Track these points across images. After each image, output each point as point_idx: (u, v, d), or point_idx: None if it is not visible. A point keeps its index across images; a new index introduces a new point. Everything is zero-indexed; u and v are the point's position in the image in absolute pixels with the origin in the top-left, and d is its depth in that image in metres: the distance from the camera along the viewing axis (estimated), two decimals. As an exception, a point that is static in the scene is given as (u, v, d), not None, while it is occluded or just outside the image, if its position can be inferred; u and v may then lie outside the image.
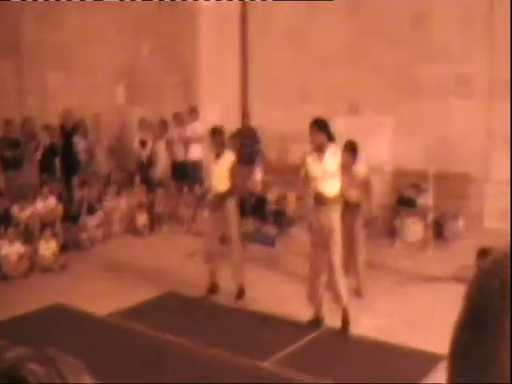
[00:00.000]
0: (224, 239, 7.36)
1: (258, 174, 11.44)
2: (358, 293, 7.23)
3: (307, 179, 6.23)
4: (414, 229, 9.45)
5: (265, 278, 8.16)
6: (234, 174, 7.19)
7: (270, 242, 9.87)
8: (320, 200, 6.08)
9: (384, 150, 10.55)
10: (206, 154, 11.53)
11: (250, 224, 10.55)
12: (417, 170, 9.89)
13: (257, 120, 11.99)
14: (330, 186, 6.11)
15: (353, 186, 7.10)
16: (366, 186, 7.22)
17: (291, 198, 10.90)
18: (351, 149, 7.20)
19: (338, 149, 6.21)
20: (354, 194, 7.10)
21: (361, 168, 7.29)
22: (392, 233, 9.67)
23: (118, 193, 11.14)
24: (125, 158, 12.82)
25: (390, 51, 10.27)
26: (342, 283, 6.14)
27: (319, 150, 6.09)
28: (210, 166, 7.56)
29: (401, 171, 10.23)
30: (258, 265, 8.80)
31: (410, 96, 10.27)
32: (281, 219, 10.72)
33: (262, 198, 11.15)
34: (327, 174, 6.05)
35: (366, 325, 6.39)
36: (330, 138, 6.16)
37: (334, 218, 6.10)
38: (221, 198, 7.21)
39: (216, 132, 7.40)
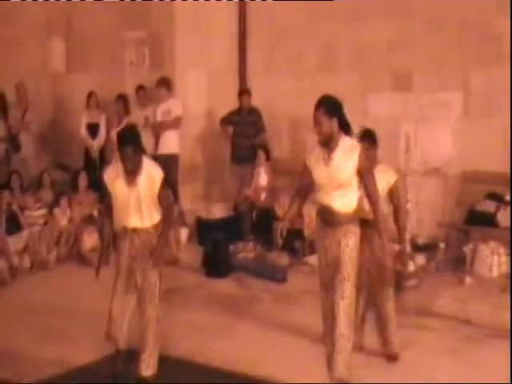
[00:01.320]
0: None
1: (263, 177, 11.41)
2: (388, 356, 7.14)
3: (307, 189, 6.25)
4: (492, 259, 9.36)
5: (270, 329, 8.03)
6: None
7: (279, 275, 9.82)
8: (327, 219, 6.00)
9: (447, 143, 10.46)
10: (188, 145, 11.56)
11: (251, 249, 10.54)
12: (496, 173, 9.84)
13: (260, 96, 11.91)
14: (343, 198, 5.92)
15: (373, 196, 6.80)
16: (393, 195, 7.00)
17: (309, 213, 10.74)
18: (369, 141, 6.93)
19: (355, 143, 5.94)
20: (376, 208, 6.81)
21: (385, 169, 7.02)
22: (460, 265, 9.60)
23: (55, 202, 11.06)
24: (65, 150, 12.81)
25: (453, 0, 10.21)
26: (348, 346, 5.95)
27: (327, 145, 5.92)
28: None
29: (472, 174, 10.16)
30: (261, 309, 8.76)
31: (487, 62, 10.17)
32: (294, 243, 10.59)
33: (268, 213, 11.08)
34: (337, 180, 5.86)
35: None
36: (344, 126, 5.95)
37: (349, 245, 5.96)
38: None
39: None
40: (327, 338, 6.28)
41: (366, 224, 6.95)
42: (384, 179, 6.85)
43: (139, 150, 6.01)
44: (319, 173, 5.97)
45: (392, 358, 7.12)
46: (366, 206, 6.81)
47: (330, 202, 5.93)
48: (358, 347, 7.11)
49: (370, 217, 6.83)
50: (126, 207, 6.12)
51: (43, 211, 10.89)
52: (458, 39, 10.29)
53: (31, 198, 10.95)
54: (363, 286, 7.00)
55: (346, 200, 5.93)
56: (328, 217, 5.99)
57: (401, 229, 7.08)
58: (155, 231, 6.20)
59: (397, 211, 7.03)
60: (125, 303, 6.24)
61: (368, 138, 6.96)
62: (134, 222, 6.17)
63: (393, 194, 6.95)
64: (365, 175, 5.92)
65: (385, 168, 6.98)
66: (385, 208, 6.88)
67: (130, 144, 5.91)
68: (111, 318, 6.26)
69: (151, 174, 6.05)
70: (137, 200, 6.07)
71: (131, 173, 5.98)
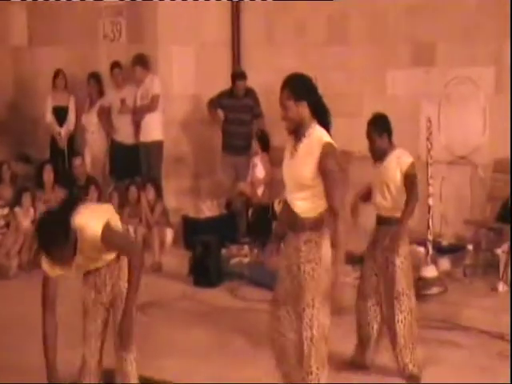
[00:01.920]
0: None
1: (260, 170, 11.50)
2: (407, 377, 7.18)
3: None
4: (530, 263, 9.36)
5: (263, 350, 7.98)
6: None
7: (278, 283, 9.72)
8: (288, 223, 5.86)
9: (475, 127, 10.51)
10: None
11: (246, 253, 10.63)
12: (535, 162, 9.83)
13: (256, 74, 11.97)
14: (305, 201, 5.70)
15: (388, 188, 7.08)
16: (408, 180, 7.03)
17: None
18: (382, 127, 7.11)
19: (322, 136, 5.67)
20: (388, 204, 7.09)
21: (400, 156, 7.11)
22: (491, 270, 9.55)
23: (17, 200, 11.10)
24: (28, 138, 12.92)
25: None
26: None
27: (295, 134, 5.82)
28: None
29: (506, 163, 10.13)
30: (258, 323, 8.47)
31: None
32: (297, 246, 10.62)
33: (266, 210, 11.12)
34: (297, 177, 5.71)
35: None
36: (319, 112, 5.78)
37: (312, 255, 5.69)
38: None
39: None
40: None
41: (380, 221, 7.18)
42: (397, 166, 6.98)
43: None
44: (284, 166, 5.92)
45: (410, 378, 7.15)
46: (378, 198, 7.12)
47: (291, 203, 5.77)
48: (369, 366, 7.30)
49: (387, 214, 7.07)
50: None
51: (4, 211, 10.99)
52: (490, 4, 10.28)
53: (3, 202, 11.06)
54: (377, 295, 7.20)
55: (308, 204, 5.67)
56: (289, 219, 5.84)
57: (407, 212, 7.01)
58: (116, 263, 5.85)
59: (409, 194, 6.99)
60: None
61: (379, 124, 7.10)
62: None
63: (408, 177, 6.97)
64: (326, 178, 5.54)
65: (400, 153, 7.09)
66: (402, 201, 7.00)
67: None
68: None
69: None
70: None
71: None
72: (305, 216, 5.63)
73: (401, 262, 7.01)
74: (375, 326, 7.26)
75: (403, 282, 7.08)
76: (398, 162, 7.01)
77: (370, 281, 7.22)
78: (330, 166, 5.50)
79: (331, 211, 5.53)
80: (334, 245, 5.62)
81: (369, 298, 7.23)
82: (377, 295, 7.21)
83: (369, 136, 7.11)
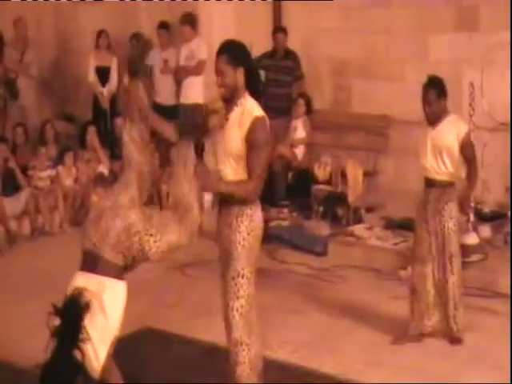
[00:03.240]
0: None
1: (300, 132, 11.42)
2: (451, 338, 7.30)
3: None
4: None
5: (305, 311, 8.09)
6: None
7: (318, 247, 9.81)
8: (220, 196, 5.75)
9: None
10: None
11: (285, 216, 10.56)
12: None
13: (298, 37, 11.89)
14: (235, 173, 5.58)
15: (441, 153, 7.11)
16: (466, 149, 7.12)
17: (354, 174, 10.75)
18: (440, 90, 7.12)
19: (253, 109, 5.54)
20: (440, 168, 7.12)
21: (455, 122, 7.17)
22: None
23: (60, 159, 11.16)
24: (71, 97, 12.93)
25: None
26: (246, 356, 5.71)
27: (228, 102, 5.62)
28: None
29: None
30: (297, 285, 8.80)
31: None
32: (337, 210, 10.62)
33: (306, 174, 11.10)
34: (227, 148, 5.57)
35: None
36: (252, 82, 5.61)
37: (244, 226, 5.59)
38: None
39: None
40: None
41: (431, 184, 7.19)
42: (453, 132, 7.05)
43: None
44: (216, 135, 5.76)
45: (455, 340, 7.26)
46: (431, 161, 7.12)
47: (222, 174, 5.63)
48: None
49: (439, 177, 7.12)
50: None
51: (52, 172, 11.01)
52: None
53: (42, 156, 11.07)
54: (431, 258, 7.24)
55: (238, 176, 5.56)
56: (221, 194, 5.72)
57: (471, 185, 7.21)
58: None
59: (470, 166, 7.14)
60: None
61: (435, 87, 7.10)
62: None
63: (465, 147, 7.06)
64: (251, 150, 5.44)
65: (455, 118, 7.17)
66: (460, 169, 7.12)
67: None
68: None
69: None
70: None
71: None
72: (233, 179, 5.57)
73: (453, 225, 7.13)
74: (433, 292, 7.29)
75: (455, 244, 7.21)
76: (453, 128, 7.09)
77: (425, 244, 7.24)
78: (258, 140, 5.43)
79: (249, 177, 5.46)
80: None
81: (427, 262, 7.25)
82: (432, 258, 7.26)
83: (425, 99, 7.09)
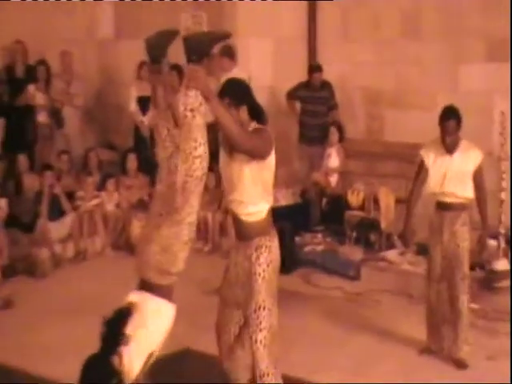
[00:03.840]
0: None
1: (334, 160, 11.44)
2: (455, 360, 7.24)
3: None
4: None
5: (339, 333, 8.06)
6: None
7: (351, 271, 9.84)
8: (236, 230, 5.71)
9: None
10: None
11: (320, 241, 10.55)
12: None
13: (332, 68, 11.91)
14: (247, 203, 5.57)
15: (457, 178, 7.14)
16: (478, 177, 7.18)
17: (386, 201, 10.73)
18: (457, 120, 7.11)
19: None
20: (460, 192, 7.18)
21: (469, 149, 7.17)
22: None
23: (102, 185, 11.24)
24: (113, 126, 13.03)
25: None
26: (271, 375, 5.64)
27: None
28: None
29: None
30: (331, 309, 8.79)
31: None
32: (369, 235, 10.65)
33: (340, 200, 11.11)
34: (236, 180, 5.54)
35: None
36: (255, 113, 5.63)
37: (263, 258, 5.56)
38: None
39: None
40: None
41: (447, 208, 7.21)
42: (470, 159, 7.10)
43: None
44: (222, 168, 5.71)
45: (459, 364, 7.20)
46: (449, 186, 7.12)
47: (239, 211, 5.60)
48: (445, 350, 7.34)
49: (450, 200, 7.15)
50: None
51: (99, 200, 11.11)
52: None
53: (90, 186, 11.16)
54: (443, 277, 7.25)
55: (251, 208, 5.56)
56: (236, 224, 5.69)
57: (483, 213, 7.25)
58: None
59: (481, 195, 7.21)
60: None
61: (455, 116, 7.10)
62: None
63: (477, 175, 7.15)
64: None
65: (469, 144, 7.17)
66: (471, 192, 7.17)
67: None
68: None
69: None
70: None
71: None
72: (251, 220, 5.54)
73: (467, 246, 7.16)
74: (447, 310, 7.28)
75: (467, 265, 7.22)
76: (469, 155, 7.13)
77: (440, 265, 7.26)
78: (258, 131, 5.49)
79: None
80: None
81: (441, 282, 7.28)
82: (446, 279, 7.27)
83: (446, 129, 7.08)
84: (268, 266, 5.50)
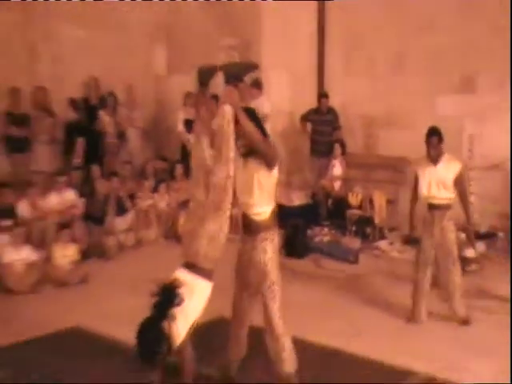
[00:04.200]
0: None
1: (338, 169, 11.43)
2: (461, 320, 7.39)
3: None
4: (547, 247, 9.23)
5: (342, 304, 8.11)
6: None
7: (351, 257, 9.82)
8: (245, 226, 5.60)
9: (506, 141, 10.28)
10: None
11: (326, 233, 10.53)
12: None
13: (336, 97, 11.97)
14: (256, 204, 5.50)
15: (443, 185, 7.21)
16: (460, 182, 7.27)
17: (379, 202, 10.74)
18: (439, 137, 7.20)
19: None
20: (441, 195, 7.26)
21: (450, 161, 7.26)
22: (517, 252, 9.44)
23: (156, 188, 11.31)
24: (165, 143, 12.99)
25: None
26: (288, 346, 5.62)
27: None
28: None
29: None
30: (334, 286, 8.79)
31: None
32: (365, 229, 10.64)
33: (342, 201, 11.13)
34: (249, 184, 5.44)
35: (478, 373, 6.20)
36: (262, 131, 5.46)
37: (266, 248, 5.50)
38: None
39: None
40: None
41: (435, 207, 7.26)
42: (450, 169, 7.18)
43: None
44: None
45: (465, 322, 7.35)
46: (434, 191, 7.20)
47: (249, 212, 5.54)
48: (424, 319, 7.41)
49: (438, 202, 7.22)
50: None
51: (153, 200, 11.15)
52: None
53: (146, 188, 11.21)
54: (430, 261, 7.34)
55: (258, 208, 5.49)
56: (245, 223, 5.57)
57: (467, 211, 7.30)
58: None
59: (463, 197, 7.29)
60: None
61: (437, 134, 7.20)
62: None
63: (459, 181, 7.20)
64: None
65: (450, 157, 7.26)
66: (453, 193, 7.24)
67: None
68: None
69: None
70: None
71: None
72: (258, 219, 5.47)
73: (453, 237, 7.26)
74: (428, 288, 7.41)
75: (455, 252, 7.32)
76: (450, 165, 7.20)
77: (428, 253, 7.34)
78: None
79: None
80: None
81: (428, 267, 7.36)
82: (432, 265, 7.36)
83: (430, 143, 7.18)
84: (273, 252, 5.47)
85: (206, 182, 5.24)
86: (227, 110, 5.09)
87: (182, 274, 5.06)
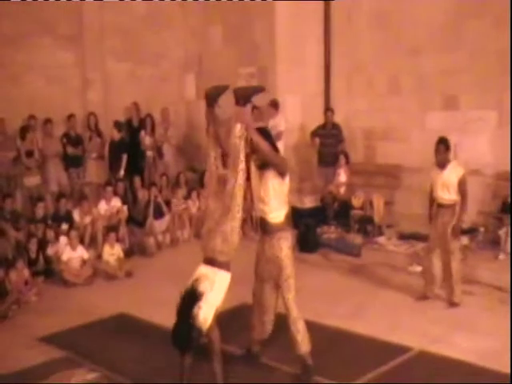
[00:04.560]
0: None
1: (342, 176, 11.35)
2: (450, 302, 7.38)
3: None
4: (521, 240, 9.13)
5: (347, 290, 8.14)
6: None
7: (354, 251, 9.80)
8: (263, 228, 5.62)
9: (485, 150, 10.30)
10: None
11: (333, 231, 10.51)
12: (524, 173, 9.61)
13: (340, 113, 11.90)
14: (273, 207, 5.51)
15: (447, 187, 7.25)
16: (462, 185, 7.29)
17: (378, 203, 10.76)
18: (446, 145, 7.30)
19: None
20: (446, 196, 7.31)
21: (455, 167, 7.34)
22: (495, 244, 9.40)
23: (188, 195, 11.28)
24: (194, 156, 12.93)
25: (493, 34, 9.97)
26: (301, 328, 5.63)
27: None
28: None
29: (505, 174, 9.93)
30: (340, 276, 8.82)
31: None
32: (366, 227, 10.62)
33: (346, 203, 11.07)
34: (265, 190, 5.49)
35: (464, 347, 6.24)
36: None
37: (282, 245, 5.56)
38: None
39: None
40: None
41: (440, 206, 7.35)
42: (454, 174, 7.25)
43: None
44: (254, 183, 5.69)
45: (453, 304, 7.36)
46: (440, 192, 7.26)
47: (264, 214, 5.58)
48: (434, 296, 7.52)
49: (442, 202, 7.28)
50: None
51: (186, 205, 11.13)
52: (495, 68, 10.00)
53: (179, 195, 11.13)
54: (436, 246, 7.40)
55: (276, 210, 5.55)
56: (262, 225, 5.62)
57: (462, 210, 7.31)
58: None
59: (462, 198, 7.28)
60: None
61: (444, 143, 7.31)
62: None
63: (460, 184, 7.24)
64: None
65: (455, 164, 7.36)
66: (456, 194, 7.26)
67: None
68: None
69: None
70: None
71: None
72: (274, 221, 5.51)
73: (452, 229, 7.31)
74: (439, 271, 7.48)
75: (454, 242, 7.38)
76: (455, 171, 7.27)
77: (435, 241, 7.42)
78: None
79: None
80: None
81: (434, 252, 7.45)
82: (438, 249, 7.44)
83: (438, 151, 7.27)
84: (288, 249, 5.53)
85: (216, 190, 5.28)
86: (238, 128, 5.17)
87: (204, 269, 5.11)
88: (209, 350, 5.14)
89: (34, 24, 11.05)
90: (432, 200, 7.53)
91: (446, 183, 7.23)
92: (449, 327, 6.77)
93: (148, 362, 6.01)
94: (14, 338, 6.86)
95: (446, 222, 7.30)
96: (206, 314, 4.88)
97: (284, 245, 5.52)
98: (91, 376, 5.84)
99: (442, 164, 7.27)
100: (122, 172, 11.32)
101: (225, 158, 5.41)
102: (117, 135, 11.39)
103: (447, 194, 7.28)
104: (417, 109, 11.08)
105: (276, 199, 5.47)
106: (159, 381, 5.59)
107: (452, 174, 7.25)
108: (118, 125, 11.49)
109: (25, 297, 8.07)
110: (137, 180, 11.15)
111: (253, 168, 5.58)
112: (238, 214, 5.14)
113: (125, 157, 11.35)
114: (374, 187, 11.19)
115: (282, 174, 5.41)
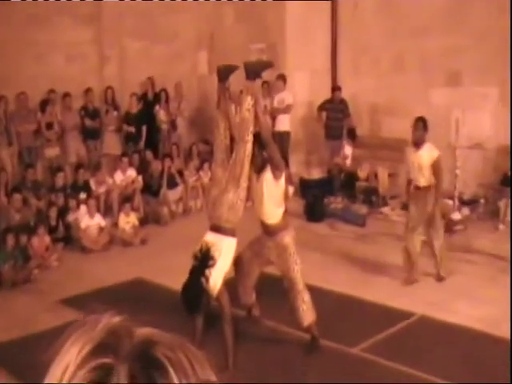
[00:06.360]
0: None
1: (348, 149, 11.31)
2: (437, 277, 7.24)
3: None
4: (520, 211, 9.11)
5: (352, 258, 8.13)
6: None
7: (359, 221, 9.77)
8: (264, 229, 5.68)
9: (486, 125, 10.18)
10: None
11: (339, 202, 10.50)
12: (524, 147, 9.51)
13: (347, 90, 11.81)
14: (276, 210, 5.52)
15: (421, 168, 6.90)
16: (435, 168, 6.89)
17: (383, 175, 10.69)
18: (423, 124, 6.93)
19: None
20: (421, 177, 6.94)
21: (431, 149, 6.96)
22: (495, 215, 9.35)
23: (200, 167, 11.24)
24: (207, 129, 12.86)
25: (495, 15, 9.80)
26: (307, 299, 5.61)
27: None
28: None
29: (505, 148, 9.82)
30: (346, 244, 8.79)
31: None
32: (371, 197, 10.59)
33: (352, 175, 11.05)
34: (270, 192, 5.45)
35: (465, 314, 6.20)
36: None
37: (286, 236, 5.57)
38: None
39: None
40: None
41: (418, 188, 7.04)
42: (429, 155, 6.85)
43: None
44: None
45: (439, 278, 7.23)
46: (416, 173, 6.94)
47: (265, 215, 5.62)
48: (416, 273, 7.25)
49: (420, 184, 6.96)
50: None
51: (198, 176, 11.08)
52: (496, 47, 9.86)
53: (192, 167, 11.08)
54: (417, 226, 7.07)
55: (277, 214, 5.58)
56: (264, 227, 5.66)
57: (438, 194, 6.95)
58: None
59: (437, 180, 6.89)
60: None
61: (421, 122, 6.95)
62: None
63: (434, 166, 6.85)
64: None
65: (430, 146, 6.95)
66: (431, 177, 6.89)
67: None
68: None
69: None
70: None
71: None
72: (272, 222, 5.51)
73: (434, 209, 6.94)
74: (419, 249, 7.16)
75: (437, 220, 7.09)
76: (429, 153, 6.86)
77: (416, 219, 7.08)
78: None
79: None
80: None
81: (415, 231, 7.13)
82: (419, 228, 7.11)
83: (417, 127, 6.90)
84: (292, 244, 5.53)
85: (223, 159, 5.29)
86: (248, 101, 5.09)
87: (211, 236, 5.10)
88: (220, 313, 5.14)
89: (55, 5, 10.99)
90: (409, 180, 7.23)
91: (421, 164, 6.85)
92: (450, 295, 6.76)
93: (162, 324, 5.98)
94: (35, 301, 6.93)
95: (425, 204, 6.93)
96: (215, 279, 4.90)
97: (286, 238, 5.52)
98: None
99: (417, 143, 6.89)
100: (141, 143, 11.36)
101: (232, 130, 5.42)
102: (135, 107, 11.33)
103: (422, 177, 6.92)
104: (421, 85, 10.95)
105: (271, 202, 5.45)
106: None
107: (427, 155, 6.87)
108: (136, 97, 11.46)
109: (46, 262, 8.10)
110: (148, 153, 11.11)
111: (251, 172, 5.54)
112: (244, 183, 5.16)
113: (144, 128, 11.38)
114: (378, 160, 11.14)
115: (277, 172, 5.36)
